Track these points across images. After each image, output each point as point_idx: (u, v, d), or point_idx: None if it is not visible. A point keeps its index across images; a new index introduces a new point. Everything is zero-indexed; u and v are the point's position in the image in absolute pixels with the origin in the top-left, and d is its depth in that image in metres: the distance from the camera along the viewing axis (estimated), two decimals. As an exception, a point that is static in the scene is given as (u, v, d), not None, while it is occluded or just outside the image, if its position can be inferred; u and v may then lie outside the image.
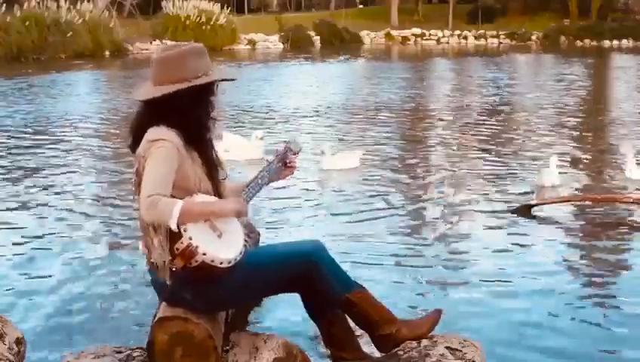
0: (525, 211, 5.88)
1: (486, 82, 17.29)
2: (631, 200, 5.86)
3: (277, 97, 14.21)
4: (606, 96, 15.48)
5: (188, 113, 2.97)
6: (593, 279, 4.49)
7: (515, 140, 9.48)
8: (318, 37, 33.83)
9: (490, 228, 5.54)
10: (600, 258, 4.86)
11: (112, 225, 5.66)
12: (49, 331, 3.73)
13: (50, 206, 6.22)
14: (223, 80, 3.10)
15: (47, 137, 9.83)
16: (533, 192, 6.56)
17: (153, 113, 2.98)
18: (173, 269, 2.85)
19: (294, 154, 3.32)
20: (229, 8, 32.70)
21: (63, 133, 10.19)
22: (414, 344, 3.13)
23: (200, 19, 28.96)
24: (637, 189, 6.52)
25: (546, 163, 6.98)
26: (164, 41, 26.38)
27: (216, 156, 3.15)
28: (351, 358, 3.18)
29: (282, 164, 3.28)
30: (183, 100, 2.95)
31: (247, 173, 5.65)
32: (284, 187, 6.16)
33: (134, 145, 3.01)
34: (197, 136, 3.02)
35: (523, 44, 34.48)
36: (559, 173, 6.82)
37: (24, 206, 6.23)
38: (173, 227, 2.75)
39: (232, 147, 7.76)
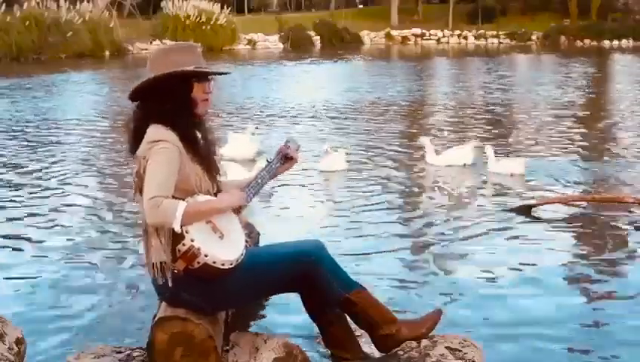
0: (525, 211, 5.88)
1: (486, 82, 17.28)
2: (631, 200, 5.86)
3: (277, 97, 14.19)
4: (606, 95, 15.47)
5: (171, 104, 2.94)
6: (593, 279, 4.48)
7: (515, 139, 9.46)
8: (318, 37, 33.85)
9: (490, 228, 5.53)
10: (600, 258, 4.86)
11: (112, 225, 5.66)
12: (49, 331, 3.72)
13: (49, 206, 6.21)
14: (203, 71, 3.02)
15: (46, 136, 9.83)
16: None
17: (142, 109, 3.00)
18: (175, 271, 2.85)
19: (296, 150, 3.35)
20: (229, 8, 32.72)
21: (62, 133, 10.19)
22: (414, 344, 3.13)
23: (200, 19, 28.97)
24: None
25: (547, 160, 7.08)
26: (164, 41, 26.41)
27: (215, 156, 3.15)
28: (351, 358, 3.19)
29: (283, 161, 3.30)
30: (166, 91, 2.94)
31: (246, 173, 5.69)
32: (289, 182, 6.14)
33: (131, 146, 3.01)
34: (190, 133, 3.00)
35: (523, 44, 34.47)
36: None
37: (23, 205, 6.23)
38: (177, 229, 2.75)
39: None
